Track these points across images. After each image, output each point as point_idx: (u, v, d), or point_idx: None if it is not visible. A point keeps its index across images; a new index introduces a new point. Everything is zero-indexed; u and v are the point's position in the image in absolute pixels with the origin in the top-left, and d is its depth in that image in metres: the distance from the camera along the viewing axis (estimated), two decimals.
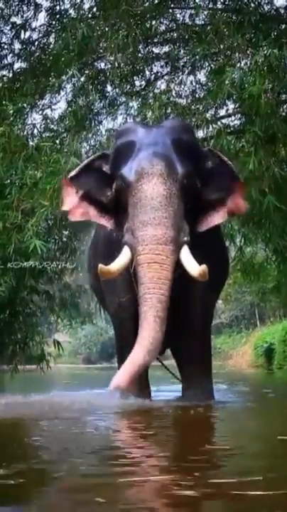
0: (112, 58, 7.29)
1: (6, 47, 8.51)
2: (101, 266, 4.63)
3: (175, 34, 8.16)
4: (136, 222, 4.65)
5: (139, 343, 4.39)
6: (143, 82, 8.40)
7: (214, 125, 7.24)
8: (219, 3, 7.87)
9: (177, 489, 2.08)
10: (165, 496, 2.00)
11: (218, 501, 1.96)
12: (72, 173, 5.23)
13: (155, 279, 4.50)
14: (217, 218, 5.05)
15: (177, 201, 4.67)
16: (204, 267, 4.49)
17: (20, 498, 2.05)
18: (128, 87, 8.27)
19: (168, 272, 4.53)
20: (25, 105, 7.50)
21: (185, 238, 4.67)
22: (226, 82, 6.12)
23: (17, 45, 8.44)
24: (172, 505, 1.91)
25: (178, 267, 4.64)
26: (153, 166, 4.69)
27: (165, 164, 4.70)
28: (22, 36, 8.40)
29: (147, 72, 8.39)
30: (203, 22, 7.67)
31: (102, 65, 8.10)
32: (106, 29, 7.37)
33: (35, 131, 7.79)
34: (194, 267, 4.57)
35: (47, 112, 8.17)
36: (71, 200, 5.13)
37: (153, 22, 7.88)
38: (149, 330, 4.39)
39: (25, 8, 8.45)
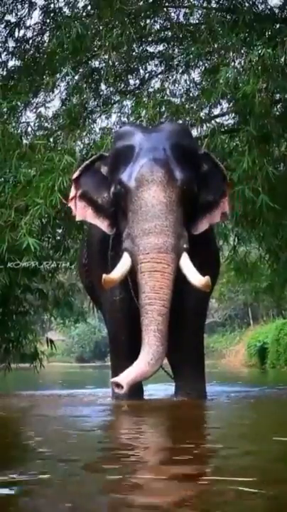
0: (106, 57, 7.28)
1: (0, 45, 8.49)
2: (105, 276, 4.64)
3: (170, 33, 8.15)
4: (137, 230, 4.67)
5: (142, 356, 4.41)
6: (138, 81, 8.41)
7: (208, 124, 7.26)
8: (213, 2, 7.86)
9: (170, 487, 2.08)
10: (159, 494, 2.00)
11: (211, 499, 1.96)
12: (75, 175, 5.27)
13: (156, 289, 4.53)
14: (209, 220, 5.09)
15: (176, 208, 4.69)
16: (207, 277, 4.53)
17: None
18: (123, 85, 8.27)
19: (169, 280, 4.56)
20: (19, 103, 7.49)
21: (185, 245, 4.69)
22: (221, 81, 6.12)
23: (11, 43, 8.43)
24: (166, 502, 1.91)
25: (179, 274, 4.66)
26: (153, 173, 4.69)
27: (165, 171, 4.71)
28: (16, 34, 8.39)
29: (141, 71, 8.40)
30: (197, 21, 7.67)
31: (96, 63, 8.10)
32: (101, 28, 7.37)
33: (29, 129, 7.78)
34: (195, 277, 4.61)
35: (42, 110, 8.18)
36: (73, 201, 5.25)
37: (148, 21, 7.90)
38: (150, 345, 4.43)
39: (19, 6, 8.42)
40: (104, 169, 5.23)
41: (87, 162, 5.39)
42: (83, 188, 5.23)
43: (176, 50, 8.14)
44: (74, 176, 5.29)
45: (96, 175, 5.25)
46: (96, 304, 6.47)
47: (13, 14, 8.42)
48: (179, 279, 4.66)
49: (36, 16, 8.43)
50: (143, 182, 4.68)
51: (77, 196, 5.21)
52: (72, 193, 5.26)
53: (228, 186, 5.24)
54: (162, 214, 4.62)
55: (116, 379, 4.35)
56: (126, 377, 4.35)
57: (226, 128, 7.72)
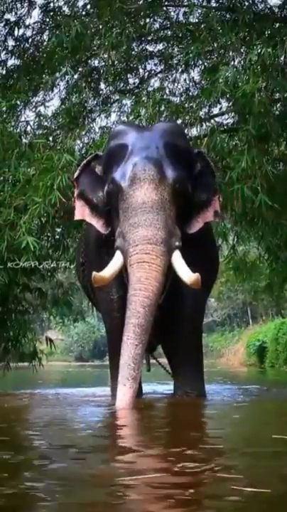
0: (106, 56, 7.29)
1: None
2: (94, 273, 4.62)
3: (169, 32, 8.16)
4: (127, 225, 4.66)
5: (123, 372, 4.38)
6: (137, 80, 8.42)
7: (207, 123, 7.25)
8: (213, 1, 7.88)
9: (169, 486, 2.09)
10: (157, 494, 2.01)
11: (210, 499, 1.96)
12: (75, 174, 5.34)
13: (142, 279, 4.48)
14: (202, 219, 5.09)
15: (168, 206, 4.68)
16: (197, 274, 4.50)
17: None
18: (122, 84, 8.28)
19: (157, 272, 4.51)
20: (18, 102, 7.51)
21: (177, 243, 4.66)
22: (220, 80, 6.12)
23: (11, 42, 8.46)
24: (165, 502, 1.92)
25: (170, 272, 4.65)
26: (145, 172, 4.69)
27: (157, 170, 4.70)
28: (16, 33, 8.42)
29: (141, 70, 8.41)
30: (197, 20, 7.66)
31: (96, 62, 8.12)
32: (100, 27, 7.38)
33: (29, 128, 7.79)
34: (186, 274, 4.57)
35: (41, 109, 8.20)
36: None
37: (147, 20, 7.90)
38: (128, 349, 4.38)
39: (19, 5, 8.45)
40: (98, 169, 5.25)
41: (84, 162, 5.41)
42: (80, 188, 5.27)
43: (176, 49, 8.14)
44: (75, 175, 5.33)
45: (92, 174, 5.28)
46: (94, 303, 6.47)
47: (13, 13, 8.46)
48: (176, 277, 4.66)
49: (36, 14, 8.48)
50: (135, 180, 4.68)
51: (76, 195, 5.25)
52: (76, 192, 5.31)
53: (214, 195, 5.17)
54: (152, 209, 4.60)
55: (119, 406, 4.28)
56: (124, 400, 4.30)
57: (225, 127, 7.72)
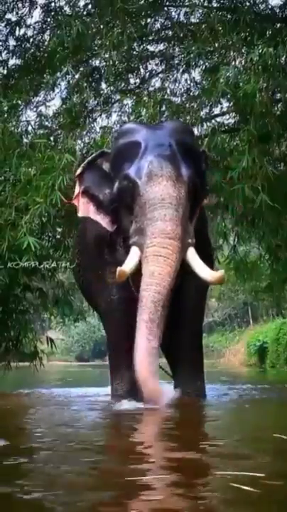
0: (107, 56, 7.29)
1: (0, 44, 8.51)
2: (119, 269, 4.58)
3: (170, 32, 8.17)
4: (145, 219, 4.66)
5: (140, 365, 4.37)
6: (138, 80, 8.42)
7: (208, 123, 7.27)
8: (214, 1, 7.87)
9: (172, 486, 2.09)
10: (161, 493, 2.01)
11: (214, 497, 1.96)
12: (78, 171, 5.29)
13: (155, 274, 4.49)
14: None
15: (184, 203, 4.70)
16: (221, 271, 4.53)
17: None
18: (123, 84, 8.27)
19: (170, 267, 4.52)
20: (19, 102, 7.51)
21: (190, 240, 4.69)
22: (221, 80, 6.12)
23: (12, 42, 8.46)
24: (169, 502, 1.92)
25: (183, 269, 4.65)
26: (163, 169, 4.71)
27: (174, 167, 4.74)
28: (17, 33, 8.43)
29: (142, 70, 8.41)
30: (198, 20, 7.68)
31: (97, 62, 8.11)
32: (101, 27, 7.38)
33: (30, 128, 7.80)
34: (206, 271, 4.60)
35: (42, 109, 8.22)
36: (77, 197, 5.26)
37: (148, 20, 7.91)
38: (143, 344, 4.37)
39: (20, 4, 8.46)
40: (106, 166, 5.23)
41: (89, 159, 5.39)
42: (85, 184, 5.23)
43: (177, 49, 8.15)
44: (78, 172, 5.29)
45: (99, 171, 5.25)
46: (90, 302, 6.43)
47: (14, 13, 8.46)
48: (177, 276, 4.66)
49: (37, 14, 8.47)
50: (153, 177, 4.68)
51: (81, 192, 5.22)
52: (77, 190, 5.26)
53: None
54: (171, 205, 4.62)
55: (149, 396, 4.35)
56: (155, 390, 4.35)
57: (226, 127, 7.73)
